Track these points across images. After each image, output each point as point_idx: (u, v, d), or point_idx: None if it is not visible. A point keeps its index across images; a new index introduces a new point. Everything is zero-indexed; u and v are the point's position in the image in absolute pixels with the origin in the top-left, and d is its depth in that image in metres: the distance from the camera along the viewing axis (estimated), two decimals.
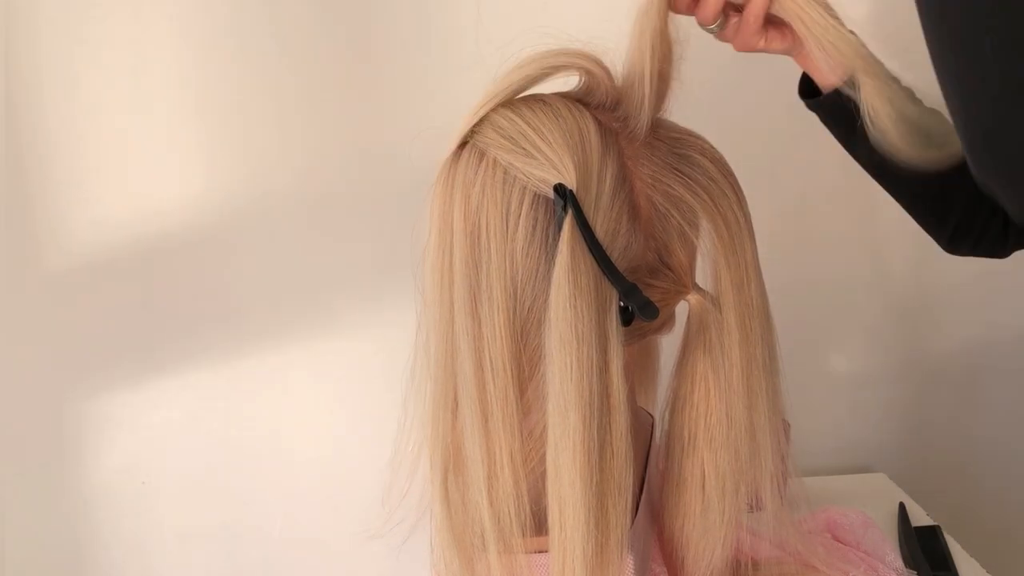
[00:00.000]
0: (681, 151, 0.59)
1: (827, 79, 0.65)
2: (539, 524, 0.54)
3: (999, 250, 0.70)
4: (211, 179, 0.96)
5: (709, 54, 0.99)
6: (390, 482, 0.62)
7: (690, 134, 0.60)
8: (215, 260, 0.98)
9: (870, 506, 0.95)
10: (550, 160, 0.53)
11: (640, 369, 0.68)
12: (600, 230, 0.52)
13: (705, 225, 0.59)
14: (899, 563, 0.81)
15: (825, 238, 1.09)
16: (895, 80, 0.61)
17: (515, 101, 0.57)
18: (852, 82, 0.59)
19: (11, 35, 0.89)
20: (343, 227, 0.99)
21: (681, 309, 0.63)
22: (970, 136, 0.49)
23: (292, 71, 0.94)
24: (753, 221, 0.62)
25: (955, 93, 0.49)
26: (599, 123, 0.57)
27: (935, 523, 0.96)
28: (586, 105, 0.58)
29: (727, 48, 1.00)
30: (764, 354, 0.61)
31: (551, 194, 0.52)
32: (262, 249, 0.99)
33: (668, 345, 0.66)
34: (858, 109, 0.58)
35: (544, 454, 0.52)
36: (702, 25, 0.64)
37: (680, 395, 0.61)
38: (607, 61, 0.57)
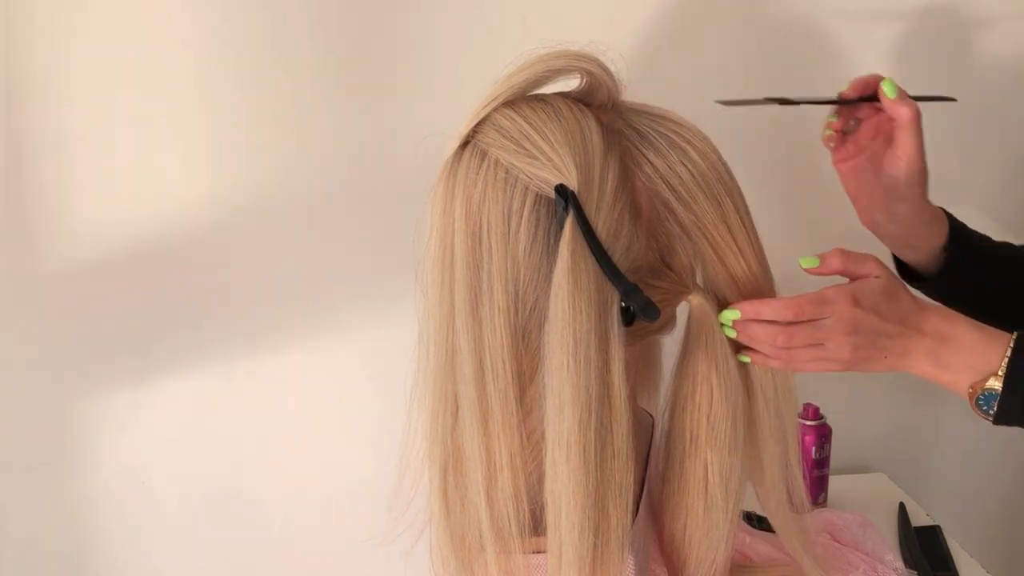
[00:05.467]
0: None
1: None
2: (537, 524, 0.54)
3: None
4: (211, 179, 0.96)
5: (710, 55, 1.00)
6: (396, 487, 0.62)
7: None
8: (216, 260, 0.98)
9: (870, 506, 0.96)
10: (552, 160, 0.53)
11: (641, 370, 0.68)
12: (602, 230, 0.52)
13: None
14: (899, 563, 0.81)
15: (824, 238, 1.09)
16: None
17: (517, 101, 0.57)
18: None
19: (11, 35, 0.89)
20: (345, 228, 0.99)
21: (681, 310, 0.63)
22: None
23: (293, 71, 0.94)
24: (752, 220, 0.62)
25: None
26: (601, 123, 0.57)
27: (935, 523, 0.96)
28: (588, 105, 0.58)
29: (723, 49, 1.00)
30: None
31: (553, 194, 0.52)
32: (264, 250, 0.99)
33: (668, 346, 0.66)
34: None
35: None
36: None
37: (681, 396, 0.61)
38: (607, 61, 0.57)
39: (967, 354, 0.63)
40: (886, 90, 0.72)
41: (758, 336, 0.60)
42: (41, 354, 0.98)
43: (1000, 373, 0.62)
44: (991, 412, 0.63)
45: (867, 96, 0.75)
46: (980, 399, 0.63)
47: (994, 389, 0.62)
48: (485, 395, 0.54)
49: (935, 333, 0.63)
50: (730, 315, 0.60)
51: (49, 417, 0.99)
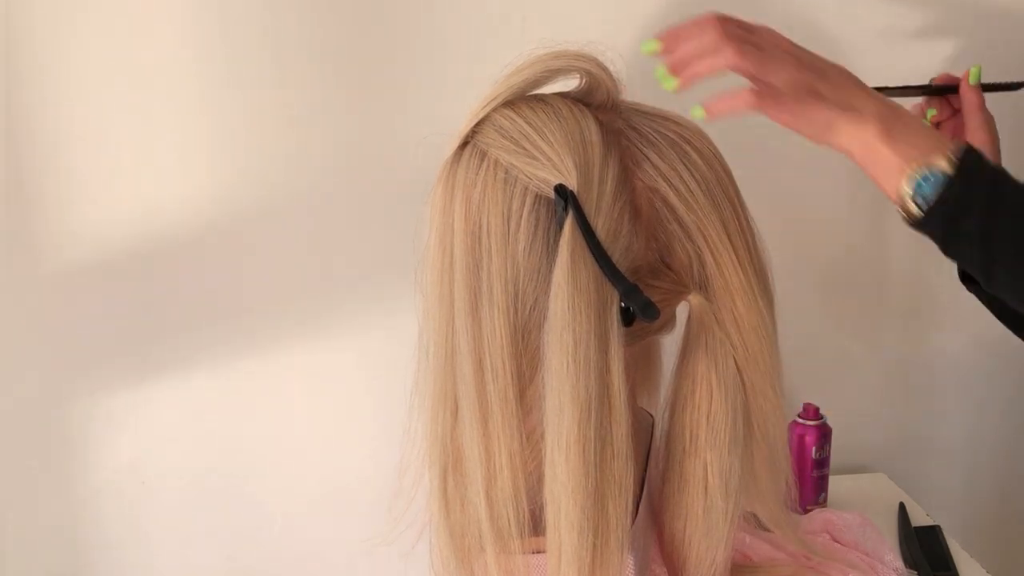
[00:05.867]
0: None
1: None
2: (537, 524, 0.54)
3: None
4: (211, 179, 0.96)
5: None
6: (397, 487, 0.62)
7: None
8: (216, 260, 0.98)
9: (870, 506, 0.95)
10: (551, 161, 0.53)
11: (642, 370, 0.68)
12: (601, 231, 0.52)
13: None
14: (898, 563, 0.81)
15: (824, 238, 1.09)
16: None
17: (516, 101, 0.57)
18: None
19: (11, 35, 0.89)
20: (345, 228, 0.99)
21: (681, 310, 0.63)
22: None
23: (293, 71, 0.94)
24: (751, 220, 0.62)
25: None
26: (600, 123, 0.57)
27: (935, 523, 0.96)
28: (587, 105, 0.58)
29: None
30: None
31: (552, 195, 0.52)
32: (264, 249, 0.99)
33: (668, 346, 0.66)
34: None
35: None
36: None
37: (681, 395, 0.61)
38: (606, 61, 0.57)
39: (916, 132, 0.56)
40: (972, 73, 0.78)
41: (697, 47, 0.55)
42: (41, 354, 0.98)
43: (952, 158, 0.54)
44: (927, 200, 0.55)
45: (950, 86, 0.80)
46: (921, 181, 0.55)
47: (943, 170, 0.54)
48: (485, 395, 0.54)
49: (881, 100, 0.57)
50: (648, 47, 0.57)
51: (49, 417, 0.99)
